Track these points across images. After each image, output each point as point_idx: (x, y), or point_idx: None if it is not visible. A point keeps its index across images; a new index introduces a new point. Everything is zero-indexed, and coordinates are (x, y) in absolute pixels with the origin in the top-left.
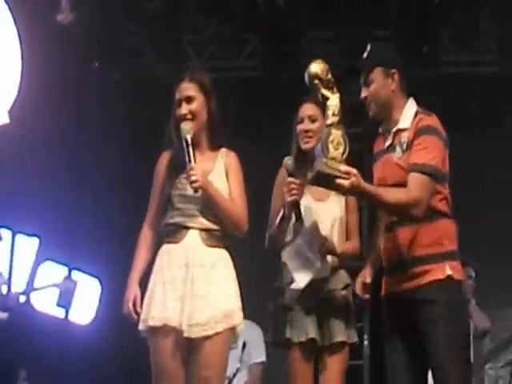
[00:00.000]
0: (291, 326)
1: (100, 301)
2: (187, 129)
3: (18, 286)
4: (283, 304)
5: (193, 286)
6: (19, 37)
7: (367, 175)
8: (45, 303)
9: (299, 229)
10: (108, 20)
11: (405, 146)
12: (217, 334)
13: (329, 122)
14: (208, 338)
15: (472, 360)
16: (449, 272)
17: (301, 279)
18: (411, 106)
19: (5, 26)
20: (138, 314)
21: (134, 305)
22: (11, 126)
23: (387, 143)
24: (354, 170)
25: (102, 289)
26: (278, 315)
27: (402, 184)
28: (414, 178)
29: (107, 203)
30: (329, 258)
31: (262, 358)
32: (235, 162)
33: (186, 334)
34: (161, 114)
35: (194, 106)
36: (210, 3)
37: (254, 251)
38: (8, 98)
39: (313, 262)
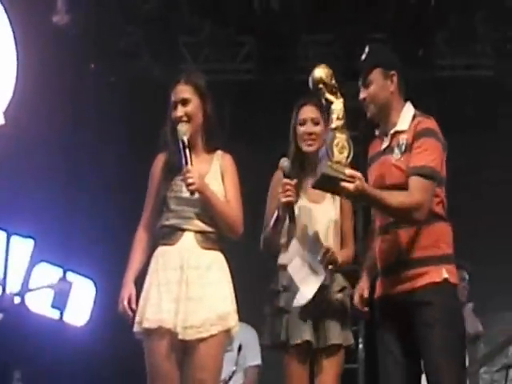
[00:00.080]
0: (287, 328)
1: (95, 302)
2: (184, 130)
3: (13, 287)
4: (279, 306)
5: (188, 289)
6: (15, 38)
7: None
8: (39, 304)
9: (293, 230)
10: (104, 21)
11: (403, 147)
12: (212, 336)
13: (333, 125)
14: (203, 340)
15: (467, 364)
16: (445, 275)
17: (308, 290)
18: (409, 109)
19: (0, 27)
20: (133, 312)
21: (129, 303)
22: (6, 127)
23: (384, 145)
24: (359, 174)
25: (96, 290)
26: (274, 318)
27: (400, 185)
28: (415, 182)
29: (103, 205)
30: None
31: (258, 361)
32: (231, 165)
33: (180, 336)
34: (157, 115)
35: (189, 108)
36: (205, 5)
37: (249, 254)
38: (3, 99)
39: (317, 272)
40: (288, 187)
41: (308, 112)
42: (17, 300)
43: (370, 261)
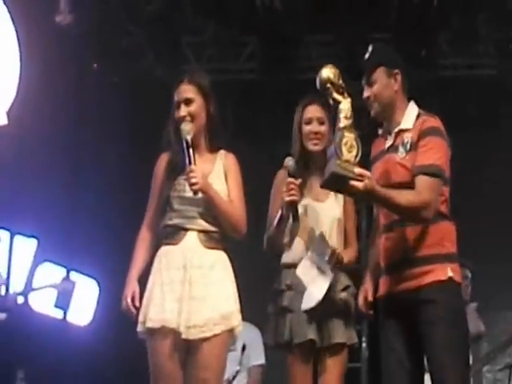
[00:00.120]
0: (291, 327)
1: (98, 302)
2: (187, 130)
3: (17, 287)
4: (283, 306)
5: (191, 288)
6: (18, 38)
7: None
8: (43, 304)
9: (296, 230)
10: (107, 21)
11: (408, 146)
12: (215, 335)
13: (342, 125)
14: (206, 339)
15: (470, 363)
16: (450, 273)
17: (317, 291)
18: (413, 108)
19: (3, 26)
20: (136, 309)
21: (133, 300)
22: (9, 127)
23: (388, 144)
24: (368, 173)
25: (100, 290)
26: (277, 317)
27: (405, 184)
28: (423, 180)
29: (106, 204)
30: None
31: (262, 360)
32: (234, 164)
33: (184, 336)
34: (159, 115)
35: (192, 108)
36: (208, 6)
37: (253, 253)
38: (6, 99)
39: (325, 272)
40: (292, 186)
41: (313, 111)
42: (20, 300)
43: (372, 261)
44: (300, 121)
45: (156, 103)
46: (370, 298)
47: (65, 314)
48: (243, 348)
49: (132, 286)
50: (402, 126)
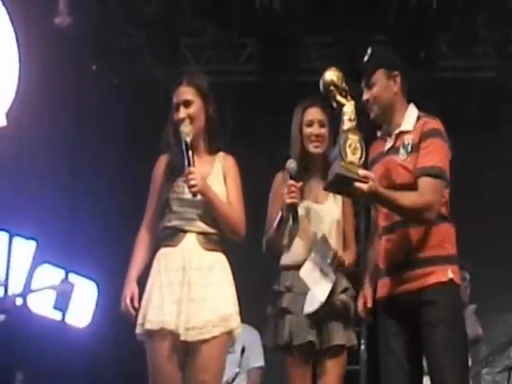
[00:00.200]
0: (290, 329)
1: (97, 304)
2: (187, 131)
3: (15, 288)
4: (282, 307)
5: (190, 290)
6: (17, 39)
7: None
8: (42, 306)
9: (295, 232)
10: (106, 23)
11: (409, 147)
12: (214, 337)
13: (346, 127)
14: (205, 341)
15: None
16: (450, 275)
17: (321, 293)
18: (413, 110)
19: (2, 28)
20: (135, 310)
21: (132, 301)
22: (8, 128)
23: (388, 146)
24: (372, 175)
25: (99, 292)
26: (276, 318)
27: (407, 185)
28: (425, 182)
29: (105, 206)
30: None
31: (261, 362)
32: (233, 166)
33: (182, 338)
34: (158, 117)
35: (191, 109)
36: (207, 7)
37: (251, 255)
38: (5, 100)
39: (327, 275)
40: (293, 189)
41: (314, 113)
42: (19, 301)
43: (371, 264)
44: (301, 123)
45: (155, 105)
46: (370, 305)
47: (63, 315)
48: (242, 350)
49: (131, 287)
50: (403, 127)
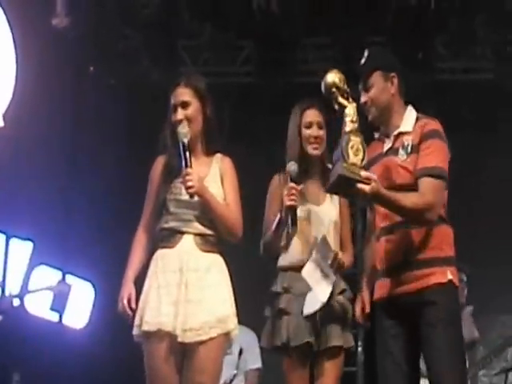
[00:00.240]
0: (288, 330)
1: (94, 305)
2: (184, 133)
3: (12, 289)
4: (280, 308)
5: (187, 291)
6: (14, 40)
7: None
8: (39, 307)
9: (293, 234)
10: (103, 25)
11: (409, 148)
12: (211, 339)
13: (348, 128)
14: (202, 343)
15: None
16: (450, 277)
17: (322, 294)
18: (411, 111)
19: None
20: (132, 311)
21: (129, 302)
22: (6, 129)
23: (386, 147)
24: (374, 176)
25: (95, 293)
26: (274, 319)
27: (407, 186)
28: (427, 182)
29: (102, 207)
30: None
31: (258, 364)
32: (230, 168)
33: (180, 339)
34: (156, 119)
35: (189, 111)
36: (205, 9)
37: (249, 257)
38: (3, 101)
39: (328, 275)
40: (293, 191)
41: (313, 115)
42: (16, 302)
43: (368, 267)
44: (299, 124)
45: (152, 106)
46: (368, 310)
47: (60, 316)
48: (240, 352)
49: (128, 288)
50: (402, 128)
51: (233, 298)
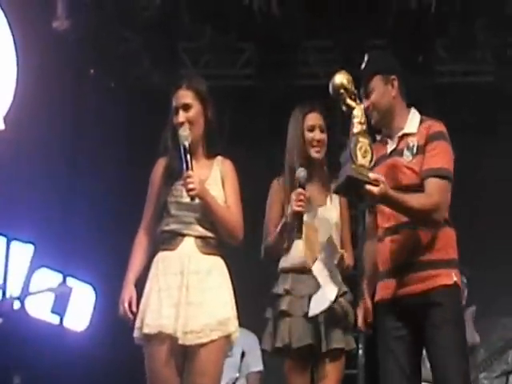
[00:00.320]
0: (290, 332)
1: (95, 308)
2: (185, 135)
3: (13, 292)
4: (282, 310)
5: (188, 293)
6: (15, 43)
7: None
8: (39, 309)
9: (297, 238)
10: (103, 27)
11: (415, 149)
12: (212, 341)
13: (356, 130)
14: (203, 345)
15: None
16: (455, 278)
17: (330, 293)
18: (415, 113)
19: (0, 32)
20: (133, 314)
21: (130, 305)
22: (6, 132)
23: (390, 148)
24: (382, 178)
25: (96, 295)
26: (276, 321)
27: (413, 186)
28: (433, 183)
29: (103, 210)
30: None
31: (260, 367)
32: (231, 170)
33: (180, 342)
34: (156, 121)
35: (191, 113)
36: (205, 12)
37: (249, 259)
38: (3, 104)
39: (336, 275)
40: (302, 197)
41: (315, 119)
42: (17, 305)
43: (368, 271)
44: (302, 127)
45: (153, 109)
46: (370, 319)
47: (61, 319)
48: (242, 355)
49: (129, 291)
50: (406, 130)
51: (234, 301)
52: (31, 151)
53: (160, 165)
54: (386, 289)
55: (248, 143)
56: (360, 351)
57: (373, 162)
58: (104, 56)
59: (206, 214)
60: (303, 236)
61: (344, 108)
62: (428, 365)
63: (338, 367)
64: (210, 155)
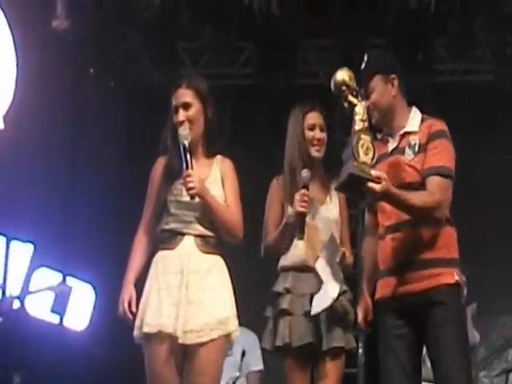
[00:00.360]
0: (290, 330)
1: (94, 307)
2: (185, 134)
3: (13, 292)
4: (282, 308)
5: (188, 292)
6: (14, 42)
7: None
8: (39, 309)
9: (298, 238)
10: (103, 27)
11: (416, 148)
12: (212, 340)
13: (358, 127)
14: (203, 344)
15: None
16: (457, 278)
17: (332, 290)
18: (416, 112)
19: (0, 31)
20: (133, 314)
21: (129, 305)
22: (6, 131)
23: (391, 147)
24: (384, 175)
25: (96, 295)
26: (276, 320)
27: (415, 184)
28: (435, 181)
29: (103, 209)
30: None
31: (260, 366)
32: (231, 170)
33: (180, 341)
34: (156, 120)
35: (191, 112)
36: (205, 11)
37: (249, 258)
38: (3, 103)
39: (337, 273)
40: (306, 198)
41: (315, 118)
42: (16, 304)
43: (367, 270)
44: (302, 126)
45: (152, 108)
46: (370, 317)
47: (61, 318)
48: (243, 354)
49: (128, 291)
50: (408, 128)
51: (233, 300)
52: (31, 150)
53: (160, 164)
54: (386, 287)
55: (248, 142)
56: (360, 350)
57: (375, 160)
58: (104, 55)
59: (206, 213)
60: (305, 236)
61: (346, 105)
62: (428, 364)
63: (338, 366)
64: (210, 154)
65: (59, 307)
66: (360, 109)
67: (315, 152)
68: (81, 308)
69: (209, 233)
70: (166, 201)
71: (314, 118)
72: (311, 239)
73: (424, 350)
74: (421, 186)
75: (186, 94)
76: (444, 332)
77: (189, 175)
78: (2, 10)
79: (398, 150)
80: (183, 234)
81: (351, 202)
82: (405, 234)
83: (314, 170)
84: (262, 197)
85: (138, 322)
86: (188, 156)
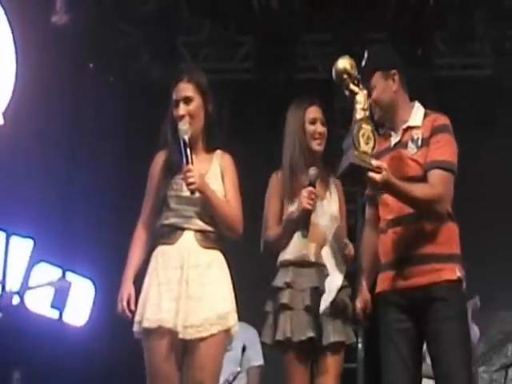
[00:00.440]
0: (291, 325)
1: (94, 302)
2: (185, 129)
3: (13, 287)
4: (283, 303)
5: (188, 287)
6: (14, 38)
7: None
8: (39, 304)
9: (304, 237)
10: (102, 22)
11: (419, 142)
12: (212, 335)
13: (359, 116)
14: (203, 339)
15: None
16: (458, 274)
17: (336, 279)
18: (419, 107)
19: None
20: (132, 312)
21: (128, 303)
22: (5, 127)
23: (394, 141)
24: (385, 165)
25: (96, 290)
26: (276, 314)
27: (418, 178)
28: (437, 174)
29: (102, 204)
30: None
31: (260, 361)
32: (230, 164)
33: (180, 336)
34: (155, 115)
35: (191, 106)
36: (204, 5)
37: (249, 253)
38: (2, 99)
39: (341, 265)
40: (312, 196)
41: (316, 112)
42: (16, 300)
43: (367, 263)
44: (303, 120)
45: (152, 103)
46: (369, 310)
47: (61, 314)
48: (243, 349)
49: (127, 288)
50: (411, 123)
51: (233, 295)
52: (30, 146)
53: (159, 158)
54: (387, 280)
55: (247, 137)
56: (359, 345)
57: (375, 149)
58: (103, 50)
59: (206, 208)
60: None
61: (347, 93)
62: (428, 360)
63: (338, 361)
64: (210, 149)
65: (59, 302)
66: (361, 97)
67: (316, 146)
68: (80, 303)
69: (209, 228)
70: (166, 196)
71: (314, 112)
72: (314, 232)
73: (424, 346)
74: (423, 179)
75: (187, 88)
76: (445, 328)
77: (189, 170)
78: (1, 5)
79: (401, 144)
80: (183, 229)
81: (349, 198)
82: (406, 228)
83: (314, 165)
84: (262, 191)
85: (137, 317)
86: (188, 151)
